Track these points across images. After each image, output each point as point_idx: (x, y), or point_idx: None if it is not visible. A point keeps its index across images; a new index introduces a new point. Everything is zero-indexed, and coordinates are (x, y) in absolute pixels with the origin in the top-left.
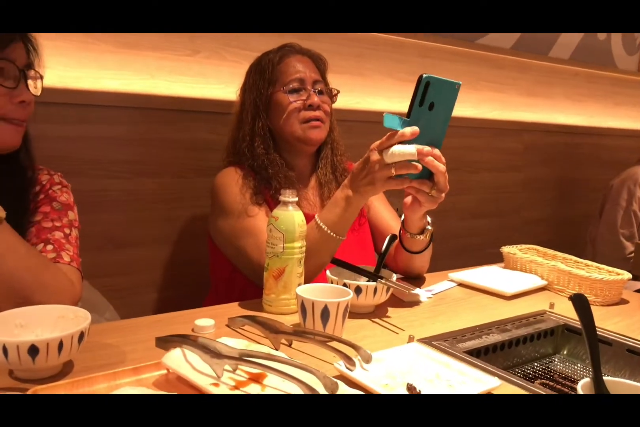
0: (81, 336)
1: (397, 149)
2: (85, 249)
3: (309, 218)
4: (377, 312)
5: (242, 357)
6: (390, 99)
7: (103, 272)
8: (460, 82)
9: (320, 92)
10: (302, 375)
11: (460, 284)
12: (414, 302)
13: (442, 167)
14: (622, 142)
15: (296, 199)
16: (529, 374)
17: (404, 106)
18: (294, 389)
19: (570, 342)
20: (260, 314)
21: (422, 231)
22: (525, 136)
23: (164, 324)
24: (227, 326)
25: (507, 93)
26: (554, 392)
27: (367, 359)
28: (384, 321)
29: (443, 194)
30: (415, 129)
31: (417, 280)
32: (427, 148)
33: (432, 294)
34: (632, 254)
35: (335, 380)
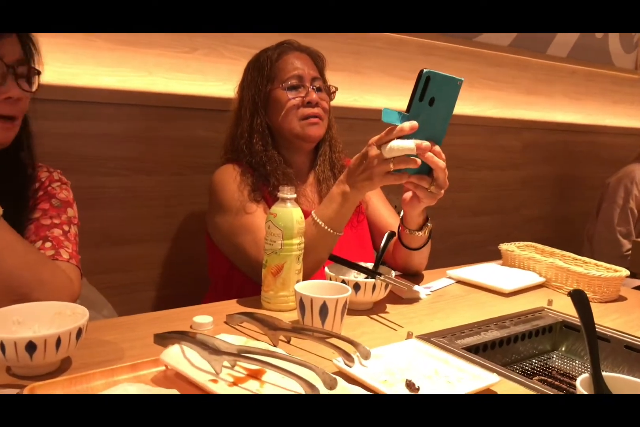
0: (79, 332)
1: (396, 143)
2: (83, 246)
3: (307, 215)
4: (376, 309)
5: (241, 354)
6: (389, 96)
7: (101, 269)
8: (462, 79)
9: (318, 89)
10: (301, 371)
11: (459, 281)
12: (413, 299)
13: (441, 163)
14: (620, 140)
15: (294, 195)
16: (527, 370)
17: (402, 104)
18: (293, 386)
19: (568, 339)
20: (259, 311)
21: (421, 228)
22: (524, 134)
23: (162, 321)
24: (226, 322)
25: (506, 91)
26: (553, 389)
27: (366, 356)
28: (382, 317)
29: (442, 191)
30: (414, 123)
31: (415, 277)
32: (426, 143)
33: (431, 291)
34: (630, 252)
35: (334, 376)
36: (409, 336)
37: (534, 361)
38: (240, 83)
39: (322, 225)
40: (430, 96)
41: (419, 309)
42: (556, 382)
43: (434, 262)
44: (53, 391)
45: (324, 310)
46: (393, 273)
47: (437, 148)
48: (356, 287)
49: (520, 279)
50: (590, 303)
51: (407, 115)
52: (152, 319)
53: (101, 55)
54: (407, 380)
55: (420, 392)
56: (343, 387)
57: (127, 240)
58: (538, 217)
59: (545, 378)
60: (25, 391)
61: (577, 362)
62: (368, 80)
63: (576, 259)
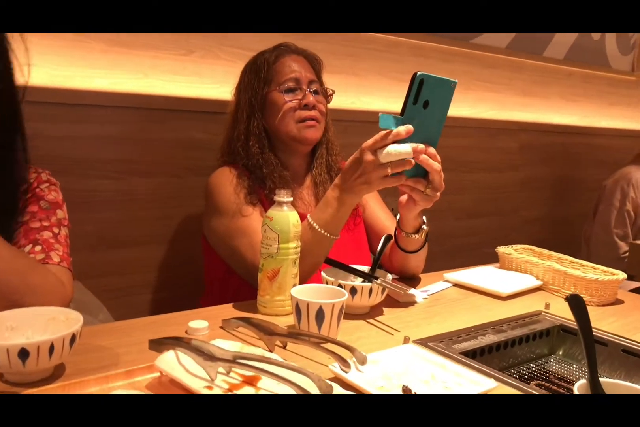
0: (73, 338)
1: (393, 148)
2: (78, 250)
3: (304, 218)
4: (373, 313)
5: (236, 360)
6: (386, 98)
7: (96, 273)
8: (456, 81)
9: (315, 92)
10: (296, 378)
11: (456, 285)
12: (410, 303)
13: (436, 166)
14: (617, 141)
15: (291, 199)
16: (525, 375)
17: (399, 106)
18: (289, 392)
19: (565, 343)
20: (255, 316)
21: (418, 230)
22: (521, 136)
23: (158, 326)
24: (221, 327)
25: (502, 93)
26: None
27: (362, 361)
28: (379, 321)
29: (438, 193)
30: (410, 127)
31: (412, 280)
32: (421, 146)
33: (428, 295)
34: (627, 254)
35: (329, 383)
36: (406, 340)
37: (531, 365)
38: (237, 85)
39: (319, 229)
40: (425, 99)
41: (416, 313)
42: (554, 387)
43: (430, 264)
44: None
45: (320, 315)
46: (390, 276)
47: (432, 150)
48: (353, 291)
49: (518, 282)
50: (588, 306)
51: (401, 118)
52: (147, 324)
53: (95, 57)
54: (403, 386)
55: None
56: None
57: (123, 243)
58: (535, 219)
59: (543, 383)
60: None
61: (574, 366)
62: (365, 82)
63: (573, 262)
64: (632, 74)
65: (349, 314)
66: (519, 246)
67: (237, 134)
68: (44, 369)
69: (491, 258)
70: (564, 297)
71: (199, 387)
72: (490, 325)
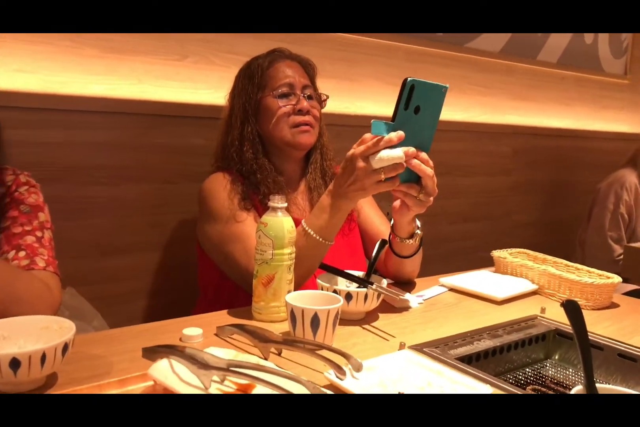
0: (65, 347)
1: (385, 154)
2: (71, 257)
3: (298, 223)
4: (368, 319)
5: (230, 368)
6: (380, 103)
7: (90, 280)
8: (447, 86)
9: (309, 97)
10: (291, 386)
11: (451, 289)
12: (405, 308)
13: (429, 171)
14: (610, 145)
15: (285, 204)
16: (521, 380)
17: (393, 111)
18: None
19: (561, 347)
20: (250, 322)
21: (412, 235)
22: (514, 140)
23: (152, 334)
24: (216, 334)
25: (496, 97)
26: None
27: (358, 368)
28: (374, 327)
29: (431, 198)
30: (401, 133)
31: (407, 285)
32: (412, 149)
33: (423, 300)
34: (621, 257)
35: (325, 390)
36: (402, 346)
37: (527, 370)
38: (231, 91)
39: (313, 235)
40: (416, 104)
41: (412, 318)
42: (550, 392)
43: (425, 269)
44: None
45: (315, 321)
46: (385, 282)
47: (424, 156)
48: (348, 297)
49: (513, 286)
50: (583, 310)
51: (392, 124)
52: (141, 332)
53: (90, 63)
54: (399, 393)
55: None
56: None
57: (117, 249)
58: (529, 222)
59: (539, 388)
60: None
61: (570, 370)
62: (359, 87)
63: (568, 266)
64: (625, 77)
65: (344, 319)
66: (514, 250)
67: (231, 140)
68: (35, 379)
69: (486, 262)
70: (560, 301)
71: None
72: (485, 330)
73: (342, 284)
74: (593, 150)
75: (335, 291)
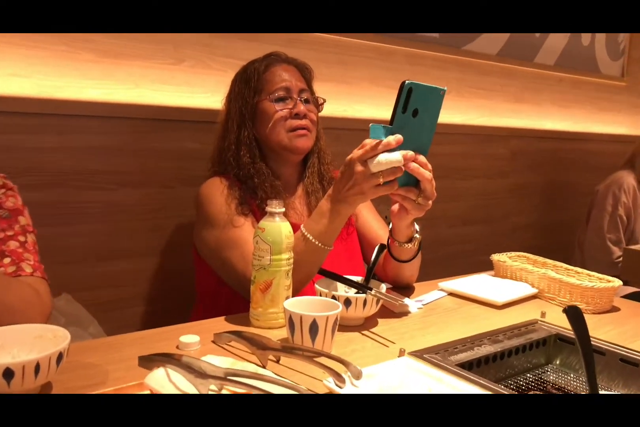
0: (59, 357)
1: (384, 157)
2: (67, 262)
3: (296, 228)
4: (367, 325)
5: (228, 377)
6: (377, 106)
7: (87, 286)
8: (446, 88)
9: (306, 101)
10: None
11: (451, 294)
12: (404, 313)
13: (427, 174)
14: (608, 147)
15: (283, 209)
16: (522, 385)
17: (390, 114)
18: None
19: (562, 352)
20: (248, 329)
21: (411, 239)
22: (512, 142)
23: (148, 341)
24: (213, 342)
25: (494, 99)
26: None
27: (357, 376)
28: (374, 333)
29: (430, 202)
30: (399, 137)
31: (406, 290)
32: (410, 152)
33: (423, 305)
34: (620, 259)
35: None
36: (401, 353)
37: (528, 375)
38: (228, 95)
39: (312, 240)
40: (414, 107)
41: (411, 324)
42: None
43: (424, 272)
44: None
45: (314, 328)
46: (384, 287)
47: (423, 159)
48: (347, 302)
49: (513, 290)
50: (584, 315)
51: (390, 128)
52: (137, 339)
53: (85, 68)
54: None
55: None
56: None
57: (114, 255)
58: (527, 225)
59: (541, 393)
60: None
61: (572, 375)
62: (356, 90)
63: (568, 269)
64: (622, 79)
65: (343, 325)
66: (513, 254)
67: (227, 144)
68: (29, 389)
69: (485, 265)
70: (560, 305)
71: None
72: (486, 335)
73: (341, 289)
74: (591, 152)
75: (334, 297)
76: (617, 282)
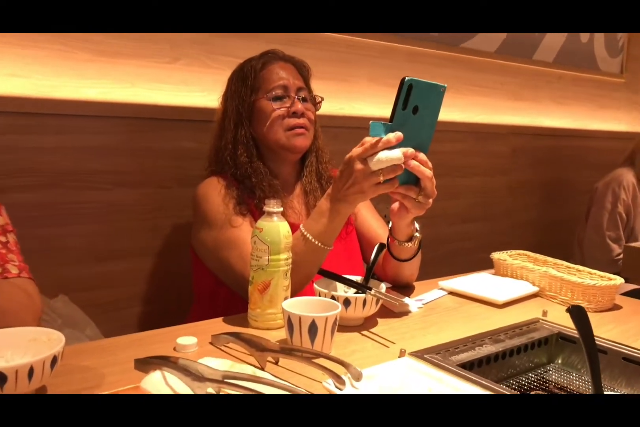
0: (54, 360)
1: (384, 155)
2: (64, 263)
3: (295, 227)
4: (367, 325)
5: (225, 380)
6: (376, 104)
7: (83, 287)
8: (446, 85)
9: (304, 100)
10: None
11: (451, 293)
12: (405, 313)
13: (428, 172)
14: (608, 144)
15: (281, 209)
16: (524, 385)
17: (390, 112)
18: None
19: (564, 351)
20: (246, 330)
21: (411, 238)
22: (512, 140)
23: (145, 343)
24: (211, 343)
25: (493, 97)
26: None
27: (357, 377)
28: (374, 333)
29: (430, 200)
30: (399, 134)
31: (406, 289)
32: (411, 150)
33: (423, 304)
34: (620, 256)
35: None
36: (402, 353)
37: (530, 374)
38: (224, 93)
39: (312, 239)
40: (414, 104)
41: (411, 324)
42: None
43: (424, 271)
44: None
45: (313, 328)
46: (383, 286)
47: (423, 157)
48: (346, 303)
49: (514, 289)
50: None
51: (390, 125)
52: (133, 341)
53: (82, 67)
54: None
55: None
56: None
57: (111, 256)
58: (527, 222)
59: (543, 393)
60: None
61: (574, 374)
62: (355, 88)
63: (569, 267)
64: (621, 76)
65: (343, 326)
66: (513, 252)
67: (224, 143)
68: (23, 393)
69: (486, 263)
70: (561, 303)
71: None
72: (487, 335)
73: (340, 289)
74: (591, 149)
75: (333, 297)
76: (619, 280)
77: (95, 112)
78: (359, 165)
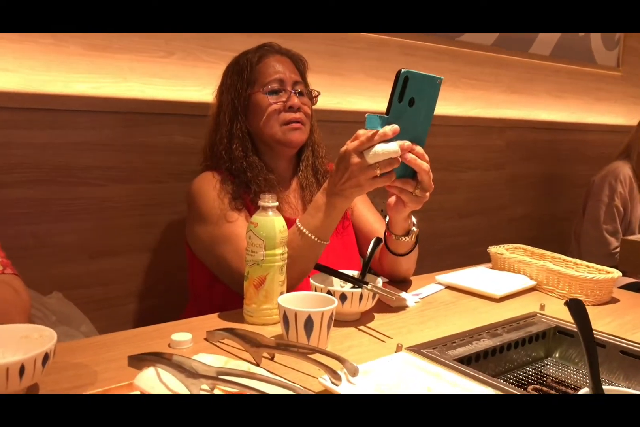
0: (45, 358)
1: (380, 148)
2: (58, 260)
3: (291, 222)
4: (363, 320)
5: (220, 377)
6: (372, 98)
7: (78, 284)
8: (442, 77)
9: (300, 94)
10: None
11: (448, 287)
12: (401, 308)
13: (425, 166)
14: (604, 137)
15: (276, 203)
16: (522, 379)
17: (385, 105)
18: None
19: (562, 345)
20: (242, 326)
21: (408, 233)
22: (508, 133)
23: (139, 340)
24: (206, 339)
25: (489, 90)
26: None
27: (354, 372)
28: (370, 328)
29: (427, 194)
30: (396, 127)
31: (403, 283)
32: (407, 143)
33: (420, 298)
34: (617, 250)
35: None
36: (399, 348)
37: (528, 369)
38: (219, 87)
39: (308, 234)
40: (410, 97)
41: (408, 318)
42: (552, 391)
43: (421, 265)
44: None
45: (309, 324)
46: (380, 281)
47: (420, 150)
48: (342, 297)
49: (511, 283)
50: None
51: (387, 117)
52: (128, 338)
53: (73, 61)
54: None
55: None
56: None
57: (105, 252)
58: (524, 216)
59: (541, 387)
60: None
61: (572, 368)
62: (350, 82)
63: (567, 261)
64: (618, 69)
65: (339, 321)
66: (510, 245)
67: (219, 137)
68: (14, 391)
69: (482, 257)
70: (559, 297)
71: None
72: (485, 329)
73: (337, 284)
74: (588, 143)
75: (329, 292)
76: (617, 273)
77: (87, 107)
78: (355, 159)
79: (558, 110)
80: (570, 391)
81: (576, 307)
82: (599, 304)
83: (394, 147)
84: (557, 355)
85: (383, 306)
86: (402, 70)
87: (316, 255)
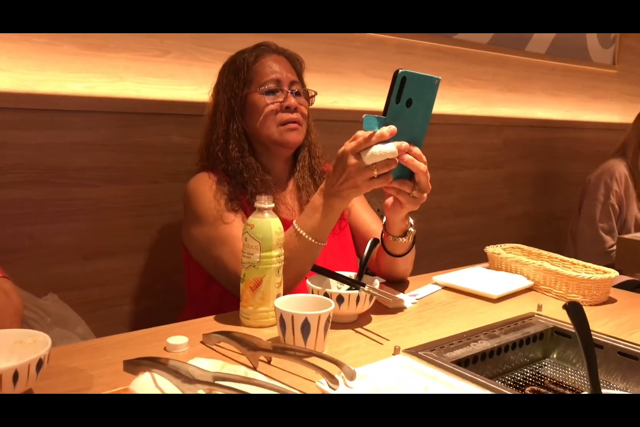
0: (39, 363)
1: (378, 149)
2: (54, 261)
3: (288, 223)
4: (361, 321)
5: (216, 382)
6: (369, 97)
7: (73, 285)
8: (440, 78)
9: (297, 94)
10: None
11: (445, 287)
12: (399, 309)
13: (422, 167)
14: (601, 135)
15: (272, 205)
16: (520, 380)
17: (383, 104)
18: None
19: (559, 346)
20: (238, 328)
21: (405, 233)
22: (505, 132)
23: (135, 343)
24: (202, 342)
25: (485, 89)
26: None
27: (351, 376)
28: (367, 330)
29: (425, 194)
30: (393, 128)
31: (400, 284)
32: (405, 144)
33: (417, 299)
34: (613, 248)
35: None
36: (396, 350)
37: (525, 370)
38: (215, 86)
39: (306, 236)
40: (407, 97)
41: (406, 320)
42: (550, 393)
43: (418, 265)
44: None
45: (305, 327)
46: (377, 282)
47: (417, 150)
48: (339, 299)
49: (508, 283)
50: None
51: (384, 118)
52: (124, 341)
53: (68, 61)
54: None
55: None
56: None
57: (101, 253)
58: (521, 215)
59: (539, 389)
60: None
61: (569, 369)
62: (347, 81)
63: (564, 261)
64: (614, 67)
65: (336, 323)
66: (507, 245)
67: (215, 138)
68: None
69: (480, 256)
70: (556, 297)
71: None
72: (482, 330)
73: (334, 286)
74: (583, 140)
75: (326, 294)
76: (614, 273)
77: (82, 106)
78: (352, 160)
79: (554, 108)
80: (568, 393)
81: (574, 311)
82: (596, 304)
83: (391, 148)
84: (554, 356)
85: (380, 307)
86: (400, 70)
87: (313, 256)
